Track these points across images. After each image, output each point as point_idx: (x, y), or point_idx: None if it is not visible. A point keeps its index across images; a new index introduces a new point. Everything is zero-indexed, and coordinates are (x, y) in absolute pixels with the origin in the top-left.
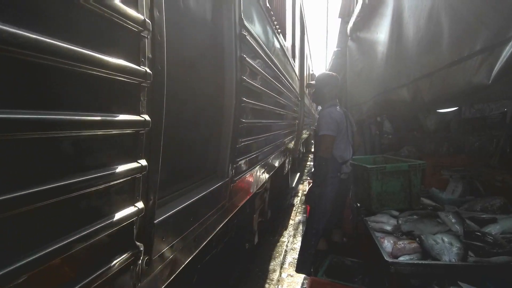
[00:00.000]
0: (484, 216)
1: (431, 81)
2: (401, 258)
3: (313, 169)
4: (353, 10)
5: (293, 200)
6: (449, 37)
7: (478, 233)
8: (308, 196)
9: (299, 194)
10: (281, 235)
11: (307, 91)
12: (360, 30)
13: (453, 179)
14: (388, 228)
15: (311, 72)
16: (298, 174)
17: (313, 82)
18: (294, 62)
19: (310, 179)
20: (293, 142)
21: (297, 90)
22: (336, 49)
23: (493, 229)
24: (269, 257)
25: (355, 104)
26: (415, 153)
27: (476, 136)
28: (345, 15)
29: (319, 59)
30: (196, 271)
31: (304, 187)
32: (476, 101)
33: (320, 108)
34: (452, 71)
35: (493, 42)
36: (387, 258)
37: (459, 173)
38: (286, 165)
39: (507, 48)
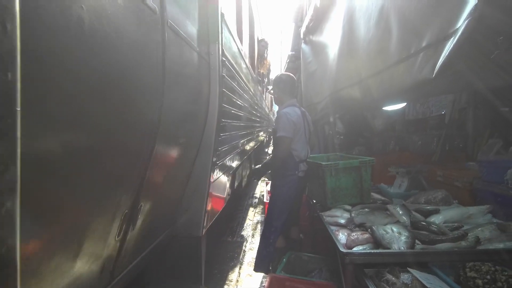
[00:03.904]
0: (428, 207)
1: (381, 79)
2: (355, 249)
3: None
4: (306, 14)
5: (252, 201)
6: (397, 36)
7: (424, 223)
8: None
9: (257, 196)
10: (239, 235)
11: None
12: (312, 33)
13: (399, 175)
14: (342, 221)
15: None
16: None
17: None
18: None
19: (269, 180)
20: None
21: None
22: (290, 53)
23: (437, 219)
24: (227, 258)
25: (310, 105)
26: (365, 152)
27: (419, 135)
28: (298, 20)
29: (275, 63)
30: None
31: (262, 188)
32: (421, 96)
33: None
34: (399, 68)
35: (437, 39)
36: (342, 249)
37: (404, 169)
38: None
39: (448, 43)
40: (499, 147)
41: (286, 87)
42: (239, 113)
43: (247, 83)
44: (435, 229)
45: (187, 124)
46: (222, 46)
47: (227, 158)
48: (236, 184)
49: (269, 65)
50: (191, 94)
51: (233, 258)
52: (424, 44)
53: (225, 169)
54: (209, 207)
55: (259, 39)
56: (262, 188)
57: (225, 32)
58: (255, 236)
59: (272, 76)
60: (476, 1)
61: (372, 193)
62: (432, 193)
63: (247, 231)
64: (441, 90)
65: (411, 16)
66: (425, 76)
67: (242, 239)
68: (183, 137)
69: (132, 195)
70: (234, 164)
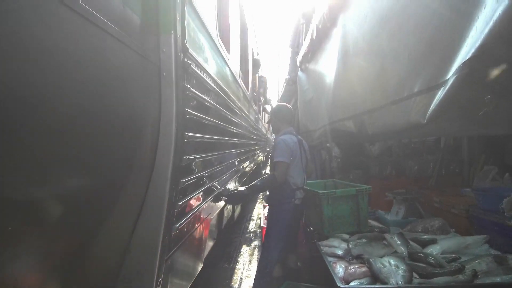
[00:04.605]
0: (425, 237)
1: (375, 116)
2: (352, 283)
3: (268, 193)
4: (302, 42)
5: (249, 224)
6: (391, 78)
7: (421, 254)
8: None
9: (255, 219)
10: (236, 262)
11: None
12: (308, 62)
13: (397, 201)
14: (340, 252)
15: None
16: None
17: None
18: None
19: (266, 203)
20: None
21: None
22: (287, 77)
23: (434, 250)
24: (224, 286)
25: (306, 131)
26: (362, 176)
27: (415, 160)
28: (294, 46)
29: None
30: None
31: (259, 211)
32: (414, 136)
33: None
34: (393, 109)
35: (429, 86)
36: (339, 284)
37: (401, 196)
38: None
39: (440, 92)
40: (494, 173)
41: (283, 117)
42: (221, 140)
43: (236, 101)
44: (433, 262)
45: (99, 169)
46: (185, 41)
47: (200, 208)
48: (224, 223)
49: (266, 82)
50: (110, 119)
51: (230, 285)
52: (416, 89)
53: (196, 224)
54: None
55: (254, 53)
56: (260, 211)
57: (192, 21)
58: (252, 262)
59: (269, 95)
60: (464, 59)
61: (370, 220)
62: (429, 221)
63: (244, 257)
64: (433, 133)
65: (405, 61)
66: (417, 121)
67: (239, 266)
68: (96, 193)
69: None
70: (215, 210)
